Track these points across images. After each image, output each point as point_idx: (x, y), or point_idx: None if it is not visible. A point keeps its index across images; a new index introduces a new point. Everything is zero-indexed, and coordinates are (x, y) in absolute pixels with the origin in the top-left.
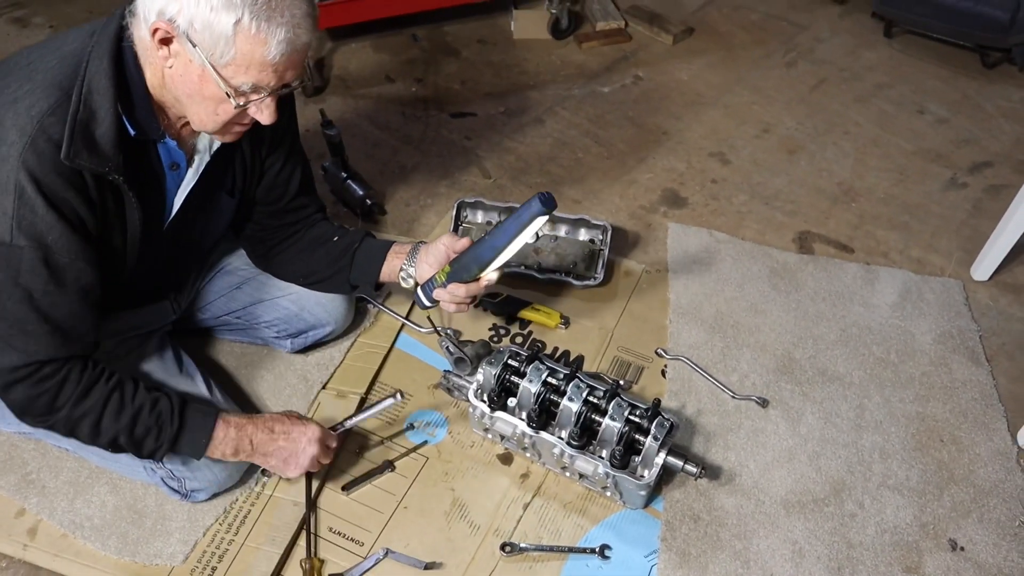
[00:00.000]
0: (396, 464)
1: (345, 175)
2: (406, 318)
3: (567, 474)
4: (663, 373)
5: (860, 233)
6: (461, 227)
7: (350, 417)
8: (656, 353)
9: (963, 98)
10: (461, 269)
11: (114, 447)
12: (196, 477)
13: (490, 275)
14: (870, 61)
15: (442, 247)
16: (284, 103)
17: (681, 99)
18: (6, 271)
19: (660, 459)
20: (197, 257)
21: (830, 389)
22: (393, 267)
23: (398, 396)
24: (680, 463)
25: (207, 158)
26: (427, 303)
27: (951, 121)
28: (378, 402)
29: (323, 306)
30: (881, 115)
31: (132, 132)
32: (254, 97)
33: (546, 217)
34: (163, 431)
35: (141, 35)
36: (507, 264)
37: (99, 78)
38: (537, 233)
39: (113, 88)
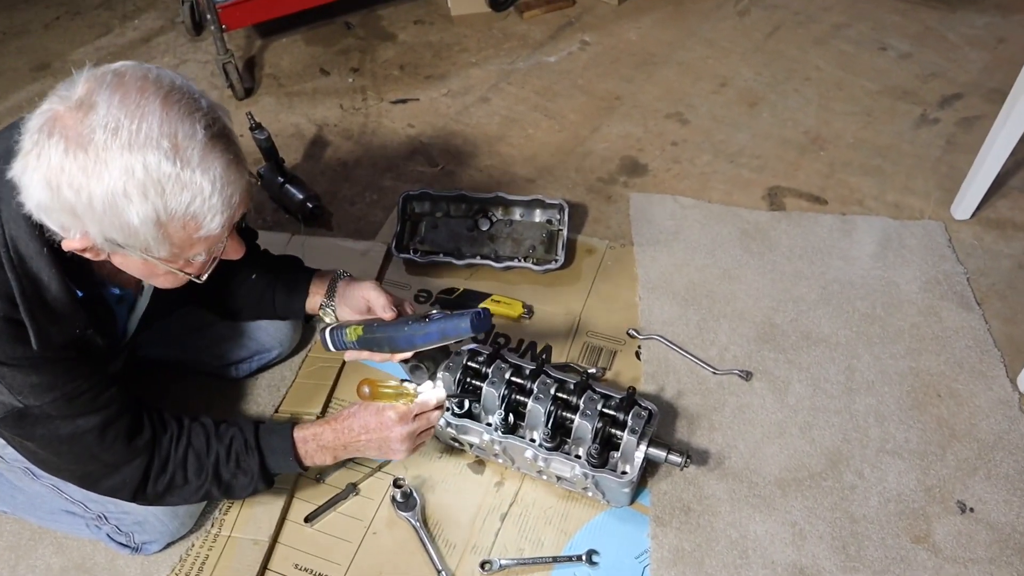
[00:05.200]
0: (360, 486)
1: (282, 179)
2: None
3: (544, 477)
4: (637, 355)
5: (832, 182)
6: (408, 221)
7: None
8: (628, 334)
9: (925, 30)
10: (372, 341)
11: (212, 498)
12: (145, 529)
13: (404, 355)
14: (826, 2)
15: (361, 299)
16: None
17: (631, 60)
18: (43, 426)
19: (641, 453)
20: None
21: (816, 353)
22: (315, 303)
23: None
24: (663, 454)
25: None
26: (331, 348)
27: (915, 55)
28: None
29: (264, 330)
30: (842, 56)
31: (79, 294)
32: (211, 257)
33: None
34: (247, 471)
35: (47, 224)
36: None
37: (25, 241)
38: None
39: (46, 249)
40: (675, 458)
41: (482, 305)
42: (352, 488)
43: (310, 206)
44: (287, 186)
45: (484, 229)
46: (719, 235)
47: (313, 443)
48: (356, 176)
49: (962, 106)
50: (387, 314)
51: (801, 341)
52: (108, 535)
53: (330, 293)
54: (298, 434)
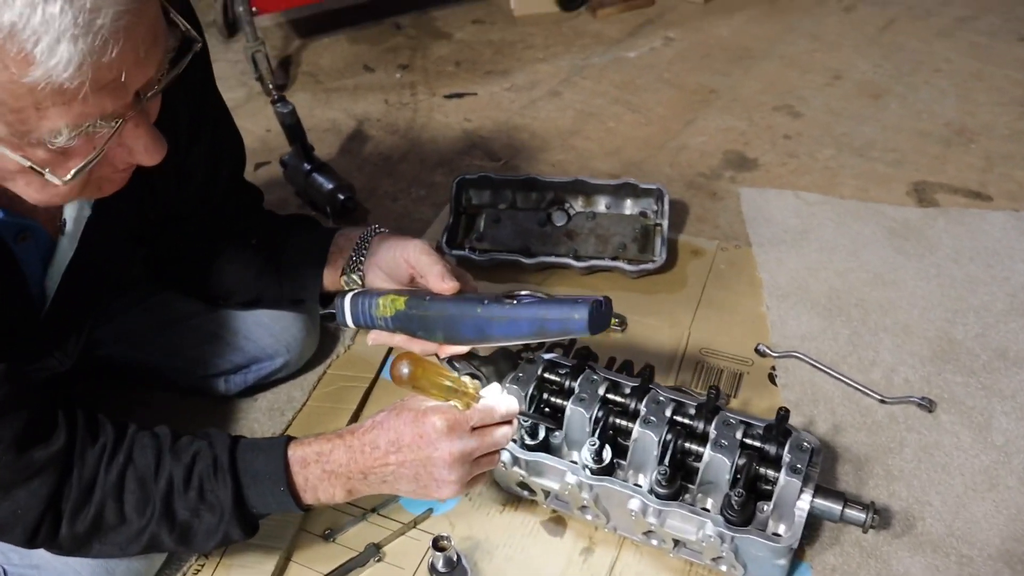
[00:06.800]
0: (385, 549)
1: (309, 167)
2: None
3: (654, 543)
4: (771, 378)
5: (993, 176)
6: (463, 215)
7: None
8: (757, 351)
9: None
10: (418, 320)
11: (162, 549)
12: None
13: (458, 349)
14: None
15: (401, 263)
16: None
17: (725, 55)
18: None
19: (805, 504)
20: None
21: (1020, 376)
22: (337, 271)
23: None
24: (838, 507)
25: (88, 212)
26: (349, 323)
27: None
28: None
29: (266, 328)
30: (974, 48)
31: None
32: (90, 146)
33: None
34: (214, 506)
35: None
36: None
37: None
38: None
39: None
40: (855, 513)
41: None
42: (374, 551)
43: (341, 198)
44: (314, 175)
45: (560, 224)
46: (860, 234)
47: (317, 467)
48: (400, 171)
49: None
50: (445, 284)
51: (996, 360)
52: None
53: (357, 255)
54: (294, 453)
